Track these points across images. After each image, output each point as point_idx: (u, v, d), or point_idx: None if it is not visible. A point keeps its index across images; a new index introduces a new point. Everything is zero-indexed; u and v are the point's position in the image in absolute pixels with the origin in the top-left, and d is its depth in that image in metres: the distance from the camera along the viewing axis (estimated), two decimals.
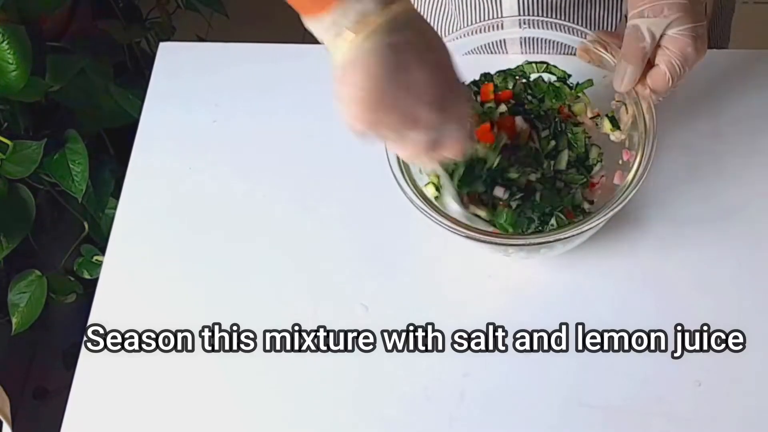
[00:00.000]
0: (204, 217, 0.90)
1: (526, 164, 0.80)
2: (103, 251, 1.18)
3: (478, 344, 0.80)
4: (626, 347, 0.79)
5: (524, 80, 0.83)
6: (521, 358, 0.79)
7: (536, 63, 0.83)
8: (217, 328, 0.83)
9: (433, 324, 0.81)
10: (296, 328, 0.82)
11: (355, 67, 0.63)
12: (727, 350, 0.78)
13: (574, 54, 0.81)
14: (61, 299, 1.43)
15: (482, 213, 0.77)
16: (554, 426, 0.76)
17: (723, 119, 0.88)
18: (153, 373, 0.82)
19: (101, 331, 0.84)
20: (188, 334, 0.83)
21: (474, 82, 0.83)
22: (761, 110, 0.89)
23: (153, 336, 0.84)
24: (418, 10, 0.71)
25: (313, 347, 0.81)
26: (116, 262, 0.89)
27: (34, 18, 1.27)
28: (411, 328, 0.81)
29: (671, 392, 0.76)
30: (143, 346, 0.83)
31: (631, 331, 0.79)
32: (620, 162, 0.80)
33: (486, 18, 0.89)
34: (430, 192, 0.78)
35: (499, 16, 0.89)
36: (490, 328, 0.81)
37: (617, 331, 0.79)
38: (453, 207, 0.76)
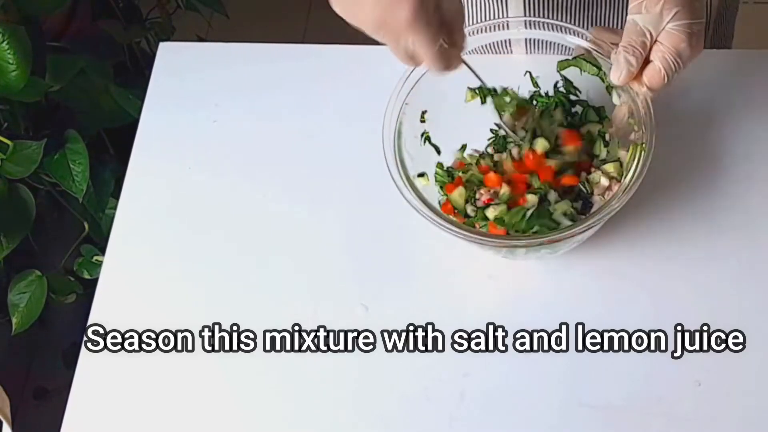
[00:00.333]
0: (204, 217, 0.90)
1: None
2: (103, 251, 1.17)
3: (478, 344, 0.80)
4: (626, 347, 0.79)
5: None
6: (521, 358, 0.79)
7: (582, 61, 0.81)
8: (217, 328, 0.83)
9: (433, 324, 0.81)
10: (296, 328, 0.82)
11: None
12: (727, 350, 0.78)
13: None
14: (61, 299, 1.43)
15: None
16: (554, 426, 0.76)
17: (724, 119, 0.88)
18: (153, 373, 0.82)
19: (101, 331, 0.84)
20: (188, 334, 0.83)
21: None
22: (762, 110, 0.89)
23: (153, 336, 0.84)
24: None
25: (313, 347, 0.81)
26: (116, 262, 0.89)
27: (34, 18, 1.27)
28: (411, 328, 0.81)
29: (671, 392, 0.76)
30: (143, 346, 0.83)
31: (631, 331, 0.79)
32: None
33: (491, 18, 0.89)
34: (421, 184, 0.78)
35: (505, 16, 0.89)
36: (490, 328, 0.81)
37: (617, 331, 0.79)
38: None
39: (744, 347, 0.78)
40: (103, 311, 0.86)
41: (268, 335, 0.82)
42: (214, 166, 0.93)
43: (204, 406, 0.80)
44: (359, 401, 0.79)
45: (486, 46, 0.83)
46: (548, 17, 0.83)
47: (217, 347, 0.83)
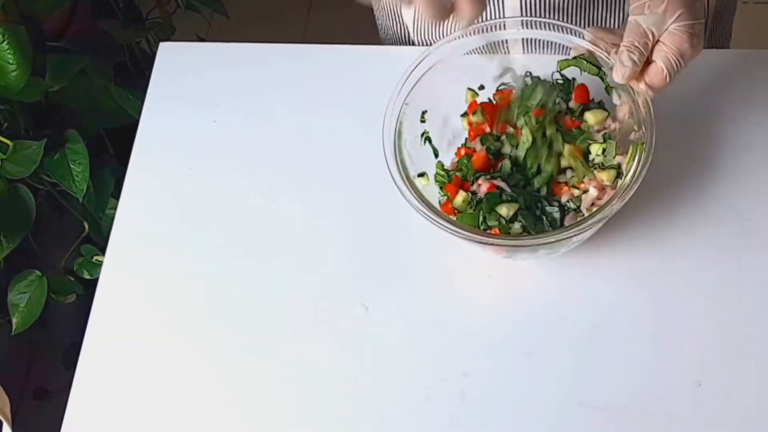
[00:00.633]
0: (204, 217, 0.90)
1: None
2: (103, 251, 1.18)
3: (478, 344, 0.80)
4: (626, 347, 0.79)
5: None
6: (521, 358, 0.79)
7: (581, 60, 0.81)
8: (216, 328, 0.84)
9: (433, 324, 0.81)
10: (296, 328, 0.82)
11: None
12: (727, 350, 0.78)
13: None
14: (61, 299, 1.43)
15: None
16: (554, 426, 0.76)
17: (723, 119, 0.88)
18: (153, 373, 0.82)
19: (101, 331, 0.85)
20: (188, 334, 0.83)
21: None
22: (761, 110, 0.89)
23: (153, 336, 0.84)
24: None
25: (313, 348, 0.81)
26: (116, 262, 0.89)
27: (34, 18, 1.27)
28: (411, 328, 0.81)
29: (671, 392, 0.76)
30: (143, 346, 0.83)
31: (630, 331, 0.79)
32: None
33: (488, 18, 0.89)
34: (421, 184, 0.78)
35: (502, 16, 0.89)
36: (490, 328, 0.81)
37: (617, 331, 0.79)
38: None
39: (744, 347, 0.78)
40: (103, 311, 0.86)
41: (268, 335, 0.82)
42: (214, 166, 0.93)
43: (204, 406, 0.80)
44: (359, 401, 0.79)
45: (483, 46, 0.83)
46: (545, 17, 0.83)
47: (216, 347, 0.83)
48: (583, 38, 0.79)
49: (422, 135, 0.83)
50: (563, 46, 0.81)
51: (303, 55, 0.98)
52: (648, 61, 0.74)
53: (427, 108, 0.82)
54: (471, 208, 0.80)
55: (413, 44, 1.02)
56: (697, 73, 0.75)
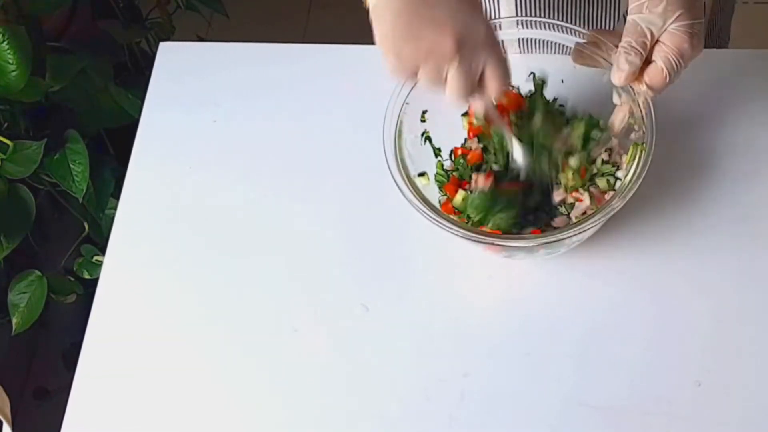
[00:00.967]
0: (204, 217, 0.90)
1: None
2: (103, 251, 1.18)
3: (478, 344, 0.80)
4: (626, 347, 0.79)
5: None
6: (521, 358, 0.79)
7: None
8: (216, 328, 0.84)
9: (433, 324, 0.81)
10: (296, 328, 0.82)
11: (381, 3, 0.67)
12: (727, 350, 0.78)
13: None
14: (61, 299, 1.43)
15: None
16: (554, 426, 0.76)
17: (722, 119, 0.88)
18: (153, 373, 0.82)
19: (101, 331, 0.85)
20: (188, 334, 0.83)
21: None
22: (761, 110, 0.89)
23: (153, 336, 0.84)
24: None
25: (313, 348, 0.81)
26: (116, 262, 0.89)
27: (34, 18, 1.27)
28: (411, 328, 0.81)
29: (671, 392, 0.76)
30: (143, 346, 0.83)
31: (630, 331, 0.79)
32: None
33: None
34: (422, 183, 0.78)
35: (496, 16, 0.89)
36: (490, 328, 0.81)
37: (617, 331, 0.79)
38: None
39: (744, 347, 0.78)
40: (103, 311, 0.86)
41: (267, 335, 0.82)
42: (214, 166, 0.93)
43: (204, 406, 0.80)
44: (359, 401, 0.79)
45: None
46: (540, 17, 0.83)
47: (216, 347, 0.83)
48: (581, 37, 0.79)
49: (422, 135, 0.83)
50: (559, 45, 0.81)
51: (303, 55, 0.98)
52: (648, 61, 0.74)
53: (427, 107, 0.82)
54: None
55: None
56: (696, 73, 0.75)
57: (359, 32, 0.68)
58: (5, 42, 1.17)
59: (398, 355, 0.80)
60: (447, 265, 0.84)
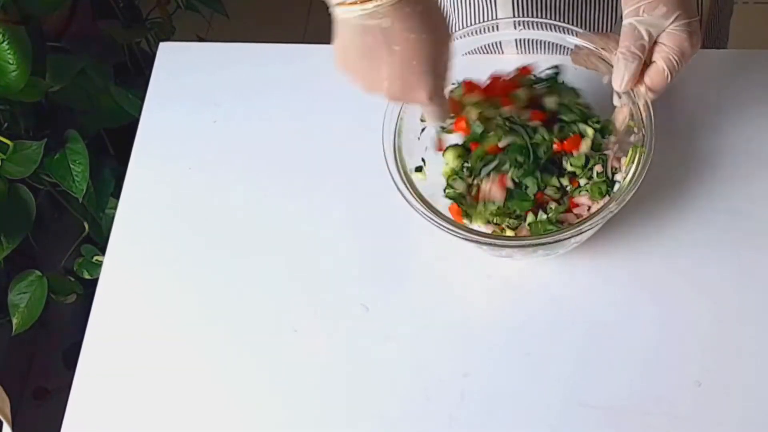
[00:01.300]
0: (204, 217, 0.90)
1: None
2: (103, 251, 1.18)
3: (478, 344, 0.80)
4: (626, 347, 0.79)
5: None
6: (521, 358, 0.79)
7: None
8: (216, 328, 0.84)
9: (433, 324, 0.81)
10: (296, 328, 0.82)
11: (337, 31, 0.70)
12: (727, 350, 0.78)
13: (569, 55, 0.81)
14: (61, 299, 1.43)
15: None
16: (554, 426, 0.76)
17: (722, 119, 0.88)
18: (153, 373, 0.82)
19: (101, 331, 0.85)
20: (188, 334, 0.83)
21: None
22: (760, 110, 0.89)
23: (153, 336, 0.84)
24: None
25: (313, 348, 0.81)
26: (116, 262, 0.89)
27: (34, 18, 1.27)
28: (411, 328, 0.81)
29: (671, 392, 0.76)
30: (143, 346, 0.83)
31: (630, 331, 0.79)
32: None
33: (482, 19, 0.89)
34: (418, 178, 0.78)
35: (494, 17, 0.89)
36: (490, 328, 0.81)
37: (617, 331, 0.79)
38: None
39: (744, 347, 0.78)
40: (103, 311, 0.86)
41: (267, 335, 0.82)
42: (214, 166, 0.93)
43: (204, 406, 0.80)
44: (359, 401, 0.79)
45: (477, 47, 0.83)
46: (537, 17, 0.83)
47: (216, 348, 0.83)
48: (576, 36, 0.79)
49: (422, 132, 0.83)
50: (556, 45, 0.81)
51: (303, 55, 0.98)
52: (647, 63, 0.74)
53: None
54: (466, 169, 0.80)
55: None
56: (695, 74, 0.75)
57: None
58: (5, 42, 1.17)
59: (398, 355, 0.80)
60: (447, 265, 0.84)
